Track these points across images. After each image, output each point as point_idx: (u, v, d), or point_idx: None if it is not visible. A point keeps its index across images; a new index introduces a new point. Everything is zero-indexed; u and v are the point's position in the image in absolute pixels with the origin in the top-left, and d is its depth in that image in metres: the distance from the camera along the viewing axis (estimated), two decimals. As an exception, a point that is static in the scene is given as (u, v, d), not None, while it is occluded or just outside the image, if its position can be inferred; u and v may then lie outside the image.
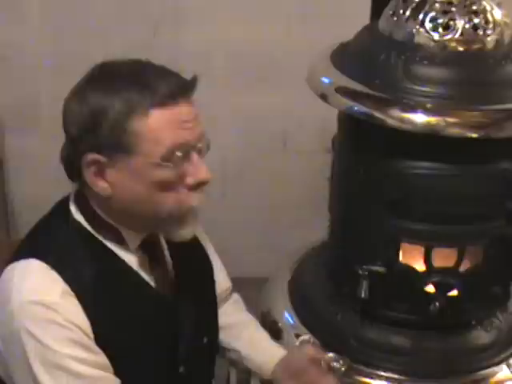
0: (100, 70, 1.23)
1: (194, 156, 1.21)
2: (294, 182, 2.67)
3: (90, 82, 1.22)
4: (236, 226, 2.69)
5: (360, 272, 1.68)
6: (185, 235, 1.26)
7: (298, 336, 1.82)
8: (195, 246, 1.46)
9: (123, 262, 1.28)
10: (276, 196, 2.70)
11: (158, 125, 1.17)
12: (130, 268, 1.29)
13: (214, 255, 1.55)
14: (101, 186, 1.22)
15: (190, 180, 1.21)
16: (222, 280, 1.58)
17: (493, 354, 1.76)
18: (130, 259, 1.29)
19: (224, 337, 1.57)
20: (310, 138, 2.57)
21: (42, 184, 2.49)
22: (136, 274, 1.30)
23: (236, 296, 1.68)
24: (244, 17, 2.45)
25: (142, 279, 1.30)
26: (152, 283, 1.32)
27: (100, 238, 1.27)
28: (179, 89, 1.19)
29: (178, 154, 1.18)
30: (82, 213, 1.28)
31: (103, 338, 1.22)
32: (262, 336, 1.61)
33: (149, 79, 1.18)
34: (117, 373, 1.24)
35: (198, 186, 1.22)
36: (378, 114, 1.56)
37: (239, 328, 1.60)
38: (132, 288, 1.29)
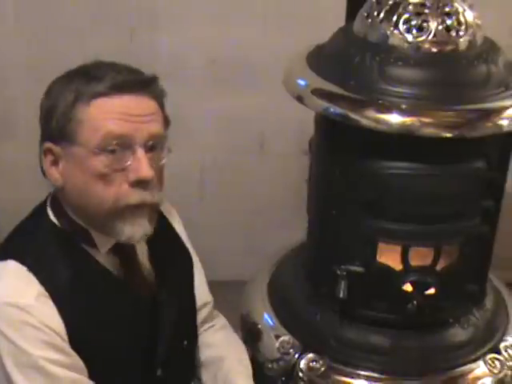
0: (72, 69, 1.26)
1: (139, 152, 1.21)
2: (272, 184, 2.67)
3: (57, 78, 1.26)
4: (215, 230, 2.69)
5: (338, 272, 1.70)
6: (129, 235, 1.24)
7: (277, 337, 1.83)
8: (179, 250, 1.47)
9: (99, 263, 1.28)
10: (254, 199, 2.71)
11: (98, 114, 1.19)
12: (105, 269, 1.29)
13: (197, 264, 1.55)
14: (54, 176, 1.24)
15: (131, 176, 1.21)
16: (201, 292, 1.56)
17: (470, 351, 1.78)
18: (104, 261, 1.29)
19: (203, 375, 1.56)
20: (287, 140, 2.58)
21: (20, 188, 2.49)
22: (112, 275, 1.30)
23: (222, 322, 1.64)
24: (220, 19, 2.45)
25: (118, 281, 1.30)
26: (128, 285, 1.32)
27: (75, 239, 1.27)
28: (128, 81, 1.20)
29: (115, 144, 1.19)
30: (56, 215, 1.28)
31: (78, 340, 1.22)
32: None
33: (100, 71, 1.21)
34: (92, 375, 1.24)
35: (139, 183, 1.21)
36: (353, 115, 1.57)
37: (218, 366, 1.54)
38: (108, 289, 1.29)
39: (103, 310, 1.27)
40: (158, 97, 1.27)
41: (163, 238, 1.39)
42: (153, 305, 1.36)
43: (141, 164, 1.20)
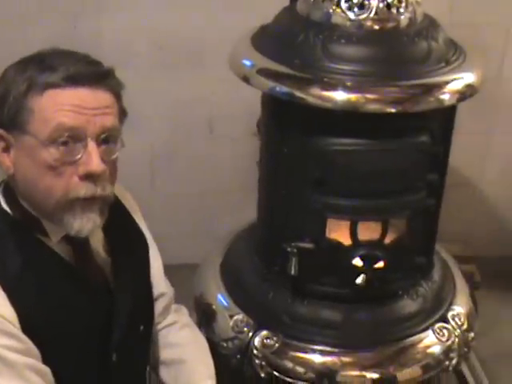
0: (28, 55, 1.24)
1: (91, 145, 1.19)
2: (222, 167, 2.68)
3: (12, 64, 1.23)
4: (167, 214, 2.69)
5: (289, 250, 1.72)
6: (77, 228, 1.23)
7: (231, 317, 1.85)
8: (135, 236, 1.46)
9: (51, 251, 1.27)
10: (206, 182, 2.71)
11: (50, 105, 1.17)
12: (58, 257, 1.28)
13: (155, 253, 1.54)
14: (6, 163, 1.22)
15: (81, 169, 1.19)
16: (158, 282, 1.54)
17: (419, 321, 1.83)
18: (57, 249, 1.28)
19: (164, 375, 1.55)
20: (236, 122, 2.58)
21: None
22: (65, 263, 1.29)
23: (185, 320, 1.63)
24: (165, 4, 2.43)
25: (71, 268, 1.29)
26: (81, 272, 1.31)
27: (27, 228, 1.26)
28: (82, 74, 1.19)
29: (66, 136, 1.18)
30: (8, 202, 1.27)
31: (31, 327, 1.21)
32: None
33: (55, 61, 1.19)
34: (46, 360, 1.23)
35: (89, 176, 1.20)
36: (299, 94, 1.59)
37: (179, 368, 1.54)
38: (61, 277, 1.28)
39: (56, 298, 1.26)
40: (114, 89, 1.25)
41: (119, 226, 1.38)
42: (108, 291, 1.35)
43: (91, 157, 1.19)
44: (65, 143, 1.18)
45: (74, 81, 1.18)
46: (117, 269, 1.37)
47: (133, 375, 1.46)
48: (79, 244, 1.30)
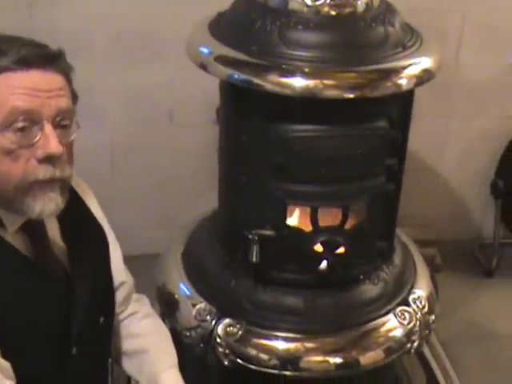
0: None
1: (48, 128, 1.18)
2: (183, 155, 2.67)
3: None
4: (127, 204, 2.67)
5: (250, 237, 1.72)
6: (39, 210, 1.22)
7: (194, 305, 1.84)
8: (90, 225, 1.45)
9: (6, 243, 1.25)
10: (166, 171, 2.70)
11: (3, 89, 1.15)
12: (14, 249, 1.26)
13: (114, 242, 1.53)
14: None
15: (39, 152, 1.18)
16: (117, 271, 1.53)
17: (381, 305, 1.84)
18: (13, 241, 1.27)
19: (127, 365, 1.55)
20: (196, 110, 2.57)
21: None
22: (20, 255, 1.27)
23: (146, 310, 1.62)
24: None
25: (28, 260, 1.28)
26: (38, 264, 1.30)
27: None
28: (34, 56, 1.17)
29: (21, 120, 1.16)
30: None
31: None
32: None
33: (4, 45, 1.17)
34: (4, 354, 1.22)
35: (48, 159, 1.19)
36: (257, 81, 1.58)
37: (142, 358, 1.53)
38: (16, 269, 1.26)
39: (12, 291, 1.24)
40: (65, 71, 1.24)
41: (75, 215, 1.37)
42: (66, 282, 1.34)
43: (49, 140, 1.18)
44: (21, 127, 1.16)
45: (25, 63, 1.16)
46: (74, 259, 1.36)
47: (94, 368, 1.45)
48: (36, 233, 1.29)
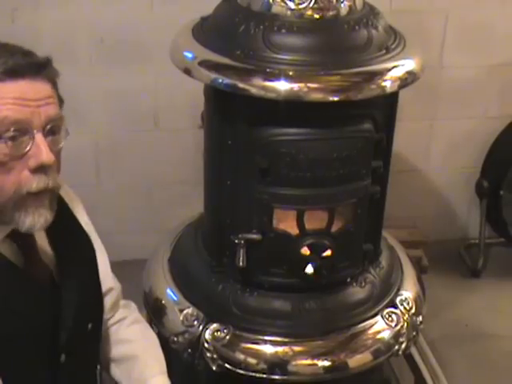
0: None
1: (38, 137, 1.18)
2: (168, 160, 2.66)
3: None
4: (113, 210, 2.66)
5: (236, 241, 1.72)
6: (30, 225, 1.21)
7: (181, 311, 1.84)
8: (77, 232, 1.44)
9: None
10: (152, 176, 2.69)
11: None
12: (1, 257, 1.25)
13: (101, 248, 1.52)
14: None
15: (31, 162, 1.18)
16: (104, 277, 1.51)
17: (369, 308, 1.84)
18: (0, 248, 1.26)
19: (115, 372, 1.54)
20: (180, 114, 2.56)
21: None
22: (7, 262, 1.26)
23: (134, 315, 1.61)
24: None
25: (14, 267, 1.27)
26: (26, 271, 1.29)
27: None
28: (22, 66, 1.16)
29: (12, 130, 1.15)
30: None
31: None
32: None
33: None
34: None
35: (39, 168, 1.19)
36: (241, 85, 1.58)
37: (131, 365, 1.52)
38: (4, 277, 1.25)
39: None
40: (53, 79, 1.23)
41: (62, 223, 1.36)
42: (54, 290, 1.33)
43: (41, 149, 1.17)
44: (12, 138, 1.15)
45: (14, 74, 1.16)
46: (62, 266, 1.35)
47: (83, 375, 1.44)
48: (24, 241, 1.28)
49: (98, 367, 1.53)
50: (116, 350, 1.54)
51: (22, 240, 1.28)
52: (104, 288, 1.50)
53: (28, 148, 1.17)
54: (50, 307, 1.31)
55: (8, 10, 2.39)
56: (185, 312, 1.82)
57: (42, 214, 1.22)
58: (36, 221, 1.21)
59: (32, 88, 1.17)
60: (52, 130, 1.21)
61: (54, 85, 1.24)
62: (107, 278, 1.53)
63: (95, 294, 1.47)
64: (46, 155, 1.18)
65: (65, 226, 1.38)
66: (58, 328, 1.32)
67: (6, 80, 1.15)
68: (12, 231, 1.26)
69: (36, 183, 1.19)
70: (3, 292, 1.24)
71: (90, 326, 1.42)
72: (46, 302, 1.31)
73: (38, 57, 1.21)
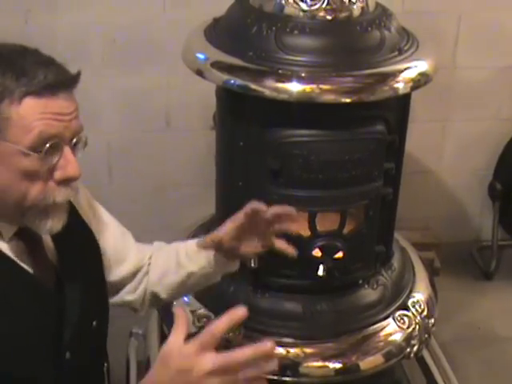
0: None
1: (67, 150, 1.19)
2: (180, 160, 2.66)
3: None
4: (125, 209, 2.64)
5: (248, 242, 1.71)
6: (49, 229, 1.23)
7: (193, 312, 1.84)
8: (81, 230, 1.44)
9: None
10: (164, 176, 2.69)
11: (30, 113, 1.15)
12: (5, 256, 1.26)
13: (111, 222, 1.54)
14: None
15: (58, 174, 1.19)
16: (140, 250, 1.57)
17: (380, 310, 1.84)
18: (6, 248, 1.26)
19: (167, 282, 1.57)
20: (193, 115, 2.56)
21: None
22: (12, 261, 1.26)
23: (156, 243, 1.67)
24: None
25: (19, 267, 1.27)
26: (30, 271, 1.29)
27: None
28: (59, 81, 1.16)
29: (48, 145, 1.16)
30: None
31: None
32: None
33: (27, 66, 1.16)
34: None
35: (66, 181, 1.20)
36: (254, 86, 1.58)
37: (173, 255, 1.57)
38: (7, 276, 1.26)
39: (1, 299, 1.23)
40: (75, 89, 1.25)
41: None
42: (58, 287, 1.34)
43: (69, 163, 1.19)
44: (47, 152, 1.16)
45: (52, 89, 1.16)
46: (65, 263, 1.36)
47: (89, 373, 1.44)
48: (31, 239, 1.29)
49: (106, 365, 1.53)
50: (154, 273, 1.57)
51: (30, 238, 1.29)
52: (120, 257, 1.53)
53: (56, 160, 1.19)
54: (54, 305, 1.32)
55: (22, 10, 2.40)
56: (196, 313, 1.83)
57: (61, 218, 1.24)
58: (55, 225, 1.23)
59: (67, 103, 1.18)
60: (77, 142, 1.22)
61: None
62: (122, 248, 1.56)
63: (100, 291, 1.47)
64: (73, 169, 1.19)
65: (69, 225, 1.39)
66: (63, 326, 1.33)
67: (45, 95, 1.15)
68: (20, 229, 1.27)
69: (61, 196, 1.21)
70: (8, 290, 1.25)
71: (94, 323, 1.42)
72: (50, 300, 1.31)
73: (71, 72, 1.22)
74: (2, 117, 1.14)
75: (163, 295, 1.58)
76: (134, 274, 1.57)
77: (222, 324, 1.17)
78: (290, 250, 1.50)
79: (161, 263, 1.58)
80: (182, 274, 1.55)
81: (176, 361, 1.13)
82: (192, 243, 1.57)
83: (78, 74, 1.22)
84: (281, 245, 1.51)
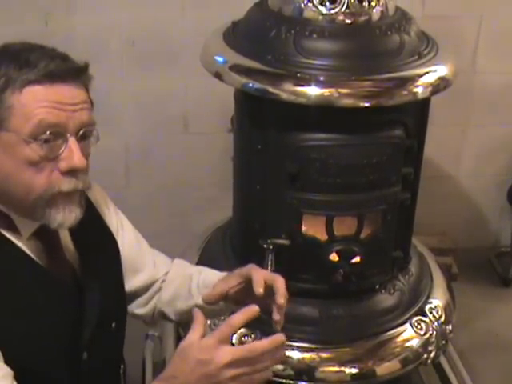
0: None
1: (71, 141, 1.19)
2: (198, 163, 2.66)
3: None
4: (142, 212, 2.66)
5: (265, 246, 1.71)
6: (60, 221, 1.22)
7: (209, 315, 1.83)
8: (101, 232, 1.45)
9: (18, 248, 1.26)
10: (181, 179, 2.69)
11: (31, 101, 1.16)
12: (25, 255, 1.26)
13: (130, 229, 1.53)
14: None
15: (62, 164, 1.19)
16: (156, 264, 1.54)
17: (397, 315, 1.83)
18: (25, 247, 1.27)
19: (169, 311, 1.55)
20: (211, 118, 2.56)
21: None
22: (32, 261, 1.27)
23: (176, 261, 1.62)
24: (136, 1, 2.42)
25: (38, 266, 1.28)
26: (50, 270, 1.30)
27: None
28: (61, 70, 1.18)
29: (48, 133, 1.17)
30: None
31: None
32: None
33: (31, 57, 1.17)
34: (14, 361, 1.22)
35: (70, 171, 1.20)
36: (272, 89, 1.58)
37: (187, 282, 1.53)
38: (27, 275, 1.26)
39: (21, 296, 1.24)
40: (86, 84, 1.25)
41: (85, 221, 1.37)
42: (77, 288, 1.34)
43: (73, 153, 1.19)
44: (47, 140, 1.17)
45: (53, 77, 1.17)
46: (85, 265, 1.36)
47: (105, 374, 1.44)
48: (50, 239, 1.29)
49: (122, 367, 1.54)
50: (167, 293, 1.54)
51: (48, 238, 1.29)
52: (135, 267, 1.52)
53: (61, 151, 1.19)
54: (72, 306, 1.32)
55: (42, 13, 2.41)
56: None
57: (73, 210, 1.23)
58: (67, 217, 1.23)
59: (70, 93, 1.19)
60: (84, 134, 1.22)
61: (87, 89, 1.26)
62: (162, 262, 1.56)
63: (118, 292, 1.47)
64: (78, 159, 1.19)
65: (89, 224, 1.39)
66: (81, 326, 1.33)
67: (46, 83, 1.17)
68: (39, 228, 1.27)
69: (66, 185, 1.21)
70: (26, 290, 1.25)
71: (113, 325, 1.42)
72: (68, 300, 1.32)
73: (77, 62, 1.23)
74: (5, 106, 1.15)
75: (172, 317, 1.56)
76: (146, 288, 1.56)
77: (238, 318, 1.18)
78: (275, 317, 1.45)
79: (174, 286, 1.55)
80: (190, 303, 1.52)
81: (195, 353, 1.14)
82: (206, 276, 1.53)
83: (86, 66, 1.23)
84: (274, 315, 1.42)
